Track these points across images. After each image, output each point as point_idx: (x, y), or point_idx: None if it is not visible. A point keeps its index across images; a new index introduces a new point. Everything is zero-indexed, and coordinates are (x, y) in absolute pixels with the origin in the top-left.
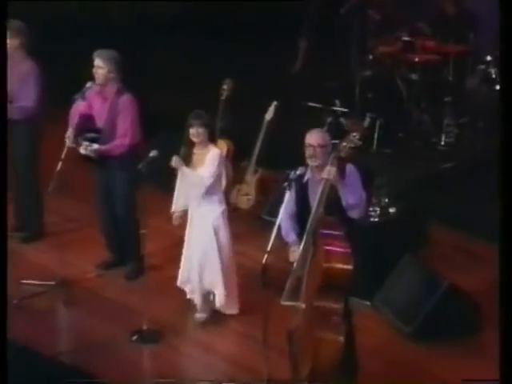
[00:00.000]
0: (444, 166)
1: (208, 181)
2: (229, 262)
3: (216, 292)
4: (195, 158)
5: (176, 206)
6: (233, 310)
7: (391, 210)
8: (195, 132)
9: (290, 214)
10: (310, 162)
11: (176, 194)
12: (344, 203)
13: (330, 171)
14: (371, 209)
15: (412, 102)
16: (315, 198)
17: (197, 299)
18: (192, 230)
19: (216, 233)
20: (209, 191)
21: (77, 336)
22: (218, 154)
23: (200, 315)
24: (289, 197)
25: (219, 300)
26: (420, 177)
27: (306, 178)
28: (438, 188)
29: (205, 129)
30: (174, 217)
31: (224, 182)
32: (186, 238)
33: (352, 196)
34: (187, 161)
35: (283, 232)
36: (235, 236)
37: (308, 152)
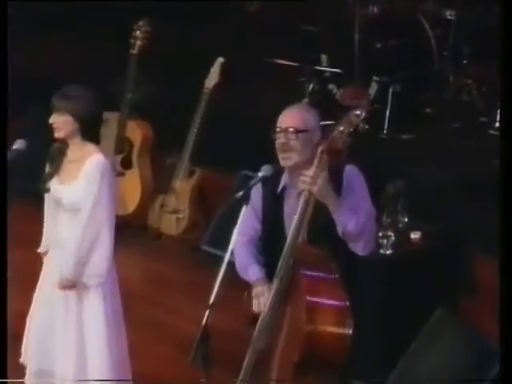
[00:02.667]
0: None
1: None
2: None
3: None
4: (64, 166)
5: (45, 242)
6: None
7: (413, 236)
8: (54, 121)
9: (250, 236)
10: (280, 159)
11: (45, 225)
12: (340, 230)
13: (313, 177)
14: (380, 234)
15: (446, 57)
16: (293, 217)
17: None
18: (46, 292)
19: (81, 300)
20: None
21: None
22: (99, 162)
23: None
24: (249, 210)
25: None
26: (459, 181)
27: (281, 184)
28: (487, 199)
29: (72, 118)
30: (44, 260)
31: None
32: (35, 304)
33: (353, 218)
34: (55, 171)
35: (238, 264)
36: (158, 279)
37: (277, 141)
